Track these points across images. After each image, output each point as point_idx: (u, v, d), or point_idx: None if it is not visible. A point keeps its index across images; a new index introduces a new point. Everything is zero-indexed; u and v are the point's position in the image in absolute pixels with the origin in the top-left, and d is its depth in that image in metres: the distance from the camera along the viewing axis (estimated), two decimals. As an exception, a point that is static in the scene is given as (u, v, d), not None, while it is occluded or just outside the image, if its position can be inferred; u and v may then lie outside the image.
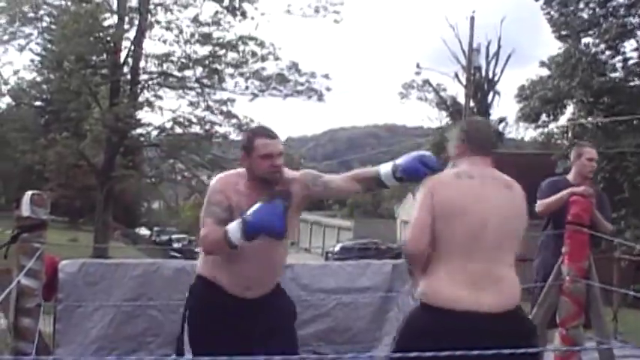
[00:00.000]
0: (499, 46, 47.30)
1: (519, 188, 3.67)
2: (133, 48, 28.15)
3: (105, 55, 29.34)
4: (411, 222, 3.55)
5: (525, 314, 3.62)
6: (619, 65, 29.52)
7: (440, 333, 3.28)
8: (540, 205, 6.07)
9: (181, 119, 29.42)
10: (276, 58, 28.49)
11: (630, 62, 29.34)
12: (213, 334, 3.94)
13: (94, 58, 29.41)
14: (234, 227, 3.64)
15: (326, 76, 29.91)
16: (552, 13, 29.51)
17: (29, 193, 4.56)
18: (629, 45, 29.52)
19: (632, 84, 29.03)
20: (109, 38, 28.28)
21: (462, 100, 38.27)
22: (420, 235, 3.47)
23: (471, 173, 3.57)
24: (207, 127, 29.56)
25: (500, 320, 3.37)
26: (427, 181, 3.62)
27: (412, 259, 3.60)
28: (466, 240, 3.44)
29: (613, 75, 29.15)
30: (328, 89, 29.78)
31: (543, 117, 31.05)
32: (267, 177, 3.89)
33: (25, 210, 4.47)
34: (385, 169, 3.96)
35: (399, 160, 3.88)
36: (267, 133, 4.00)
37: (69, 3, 27.92)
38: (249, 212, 3.61)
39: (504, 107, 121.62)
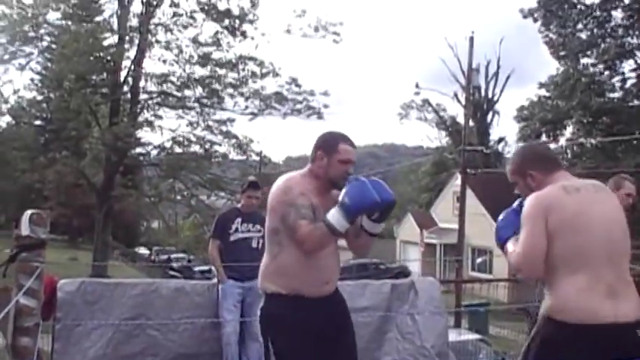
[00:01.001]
0: (498, 66, 47.54)
1: (611, 191, 3.74)
2: (133, 67, 28.19)
3: (105, 75, 29.42)
4: (524, 244, 3.42)
5: None
6: (618, 85, 29.66)
7: (584, 348, 3.25)
8: None
9: (181, 139, 29.44)
10: (275, 75, 28.50)
11: (629, 83, 29.46)
12: (305, 346, 3.94)
13: (94, 77, 29.49)
14: (334, 216, 3.70)
15: (325, 93, 29.92)
16: (550, 35, 29.64)
17: (28, 212, 4.55)
18: (627, 65, 29.69)
19: (630, 104, 29.14)
20: (109, 57, 28.36)
21: (461, 120, 38.31)
22: (533, 258, 3.38)
23: (574, 185, 3.51)
24: (207, 146, 29.56)
25: (635, 329, 3.30)
26: (533, 204, 3.46)
27: (526, 279, 3.71)
28: (595, 251, 3.35)
29: (612, 95, 29.27)
30: (326, 106, 29.77)
31: (543, 137, 31.14)
32: (337, 181, 3.93)
33: (25, 229, 4.46)
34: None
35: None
36: (350, 141, 4.08)
37: (69, 22, 27.97)
38: (342, 196, 3.69)
39: (504, 127, 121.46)
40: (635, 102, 29.37)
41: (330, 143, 4.04)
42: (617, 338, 3.25)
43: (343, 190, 3.72)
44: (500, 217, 3.82)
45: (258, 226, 7.07)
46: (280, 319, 4.02)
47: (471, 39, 28.50)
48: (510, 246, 3.58)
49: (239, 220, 7.09)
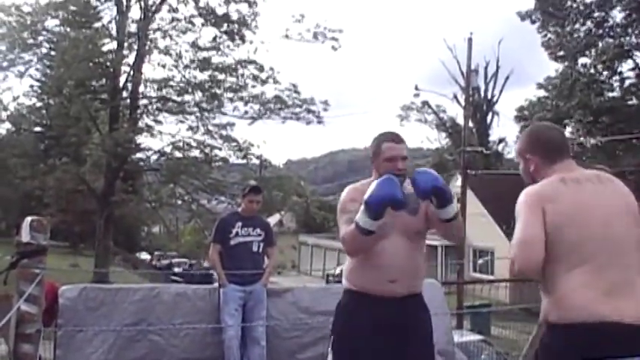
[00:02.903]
0: (497, 67, 47.57)
1: (620, 181, 3.44)
2: (132, 73, 28.21)
3: (104, 81, 29.46)
4: (518, 238, 3.22)
5: None
6: (616, 85, 29.67)
7: (584, 350, 3.04)
8: None
9: (181, 144, 29.43)
10: (275, 82, 28.55)
11: (628, 82, 29.48)
12: (357, 342, 4.02)
13: (93, 83, 29.54)
14: (359, 214, 3.80)
15: (325, 103, 29.93)
16: (549, 35, 29.66)
17: (29, 218, 4.56)
18: (626, 65, 29.69)
19: (630, 103, 29.15)
20: (108, 63, 28.38)
21: (461, 121, 38.31)
22: (530, 252, 3.18)
23: (575, 177, 3.34)
24: (207, 151, 29.55)
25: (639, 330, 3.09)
26: (530, 194, 3.31)
27: (520, 272, 3.34)
28: (594, 246, 3.17)
29: (611, 95, 29.28)
30: (325, 110, 29.75)
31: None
32: None
33: (25, 236, 4.47)
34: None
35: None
36: (393, 137, 4.16)
37: (68, 29, 28.01)
38: (366, 194, 3.75)
39: (504, 128, 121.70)
40: (635, 101, 29.41)
41: (375, 146, 4.19)
42: (620, 339, 3.05)
43: (371, 186, 3.80)
44: None
45: (259, 230, 7.10)
46: (344, 311, 4.19)
47: (470, 40, 28.55)
48: None
49: (239, 224, 7.07)
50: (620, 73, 29.80)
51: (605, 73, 29.50)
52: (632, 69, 29.65)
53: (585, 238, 3.18)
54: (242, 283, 6.81)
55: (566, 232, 3.18)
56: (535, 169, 3.46)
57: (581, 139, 29.44)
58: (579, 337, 3.10)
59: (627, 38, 28.77)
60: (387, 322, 4.01)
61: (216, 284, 7.06)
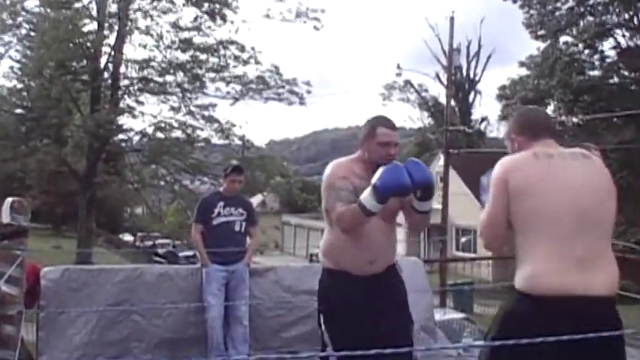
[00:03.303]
0: (479, 46, 47.57)
1: (599, 160, 3.49)
2: (113, 54, 28.06)
3: (85, 62, 29.25)
4: (482, 217, 3.39)
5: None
6: (597, 64, 29.75)
7: (548, 322, 3.05)
8: None
9: (163, 124, 29.34)
10: (257, 62, 28.49)
11: (608, 61, 29.56)
12: (347, 321, 4.14)
13: (74, 64, 29.34)
14: (366, 196, 3.90)
15: (307, 83, 29.92)
16: (531, 13, 29.67)
17: (9, 199, 4.54)
18: (607, 44, 29.77)
19: (610, 82, 29.25)
20: (89, 44, 28.18)
21: (443, 100, 38.39)
22: (492, 226, 3.33)
23: (549, 152, 3.37)
24: (189, 131, 29.48)
25: (607, 304, 3.18)
26: (500, 166, 3.37)
27: (489, 248, 3.53)
28: (560, 218, 3.19)
29: (592, 73, 29.35)
30: (309, 92, 29.75)
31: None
32: (380, 163, 4.06)
33: (5, 217, 4.46)
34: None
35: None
36: (388, 124, 4.26)
37: (48, 9, 27.78)
38: (375, 178, 3.86)
39: (486, 106, 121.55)
40: (615, 79, 29.53)
41: (369, 128, 4.26)
42: (586, 312, 3.08)
43: (377, 173, 3.90)
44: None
45: (241, 210, 7.09)
46: (326, 292, 4.31)
47: (452, 19, 28.56)
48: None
49: (221, 203, 7.05)
50: (602, 51, 29.90)
51: (586, 51, 29.58)
52: (613, 47, 29.76)
53: (551, 210, 3.21)
54: (224, 263, 6.81)
55: (526, 200, 3.23)
56: (518, 147, 3.52)
57: (563, 117, 29.57)
58: (546, 308, 3.11)
59: (608, 17, 28.84)
60: (368, 297, 4.15)
61: (199, 264, 7.07)
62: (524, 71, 31.75)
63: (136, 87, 29.25)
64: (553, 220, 3.20)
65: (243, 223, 7.08)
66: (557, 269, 3.14)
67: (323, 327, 4.28)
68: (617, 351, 3.18)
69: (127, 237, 58.05)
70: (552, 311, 3.10)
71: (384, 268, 4.27)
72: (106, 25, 27.92)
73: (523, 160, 3.35)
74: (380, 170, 3.89)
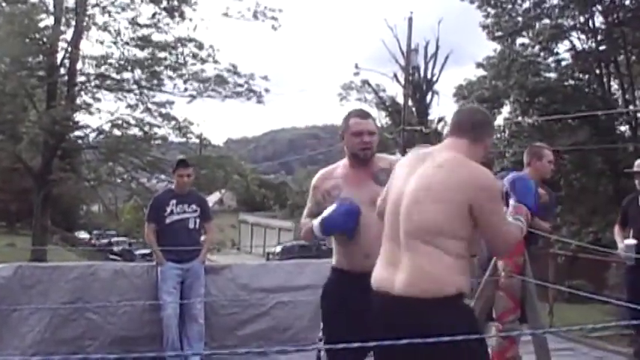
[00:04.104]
0: (437, 47, 47.70)
1: (458, 171, 3.33)
2: (69, 49, 27.75)
3: (41, 57, 28.83)
4: None
5: (441, 312, 3.22)
6: (553, 66, 30.08)
7: (373, 313, 3.39)
8: None
9: (120, 121, 29.08)
10: (215, 62, 28.40)
11: (564, 63, 29.91)
12: (339, 319, 4.19)
13: (29, 59, 28.91)
14: (316, 223, 4.14)
15: (265, 78, 29.82)
16: (489, 10, 29.91)
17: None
18: (562, 46, 30.10)
19: (566, 84, 29.59)
20: (45, 39, 27.80)
21: (401, 100, 38.53)
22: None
23: (424, 153, 3.49)
24: (146, 129, 29.27)
25: (402, 304, 3.22)
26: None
27: None
28: (388, 219, 3.44)
29: (547, 75, 29.67)
30: (267, 90, 29.71)
31: (480, 116, 31.42)
32: (357, 154, 4.23)
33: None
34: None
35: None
36: (359, 113, 4.43)
37: (3, 4, 27.41)
38: (325, 212, 4.07)
39: (443, 107, 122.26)
40: (570, 82, 29.87)
41: (343, 123, 4.40)
42: (389, 310, 3.28)
43: (330, 208, 4.09)
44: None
45: (194, 206, 7.05)
46: (325, 289, 4.42)
47: (410, 20, 28.81)
48: None
49: (174, 201, 7.01)
50: (557, 54, 30.24)
51: (541, 53, 29.89)
52: (569, 50, 30.10)
53: (388, 210, 3.47)
54: (179, 261, 6.79)
55: (383, 201, 3.57)
56: None
57: (519, 118, 29.87)
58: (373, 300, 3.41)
59: (564, 20, 29.16)
60: (363, 295, 4.13)
61: (155, 262, 7.04)
62: (481, 72, 32.01)
63: (92, 83, 28.93)
64: (386, 220, 3.48)
65: (197, 220, 7.05)
66: (378, 266, 3.45)
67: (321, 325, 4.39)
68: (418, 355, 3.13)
69: (83, 235, 57.61)
70: (374, 305, 3.38)
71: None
72: (63, 20, 27.58)
73: (399, 164, 3.63)
74: (333, 205, 4.07)
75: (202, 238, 7.21)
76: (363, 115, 4.39)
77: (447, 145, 3.53)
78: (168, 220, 6.96)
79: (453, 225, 3.24)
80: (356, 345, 2.90)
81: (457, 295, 3.24)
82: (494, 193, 3.33)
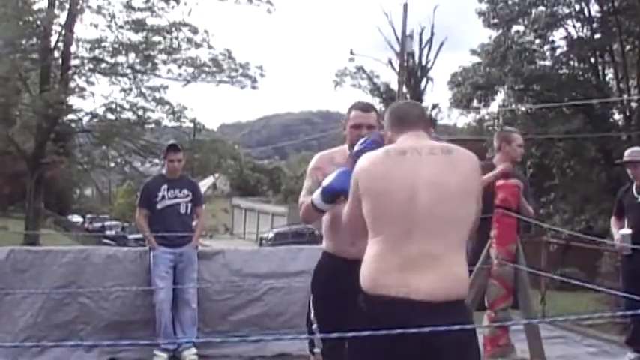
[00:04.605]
0: (432, 33, 47.58)
1: (465, 155, 3.29)
2: (63, 33, 27.66)
3: (35, 40, 28.75)
4: (345, 213, 3.55)
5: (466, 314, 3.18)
6: (548, 54, 30.04)
7: (370, 320, 3.06)
8: None
9: (113, 105, 29.06)
10: (210, 47, 28.38)
11: (558, 51, 29.88)
12: (328, 301, 4.20)
13: (23, 42, 28.81)
14: (316, 193, 4.05)
15: (260, 67, 29.84)
16: (484, 1, 29.86)
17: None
18: (557, 34, 30.06)
19: (560, 72, 29.57)
20: (39, 22, 27.71)
21: (395, 86, 38.52)
22: (349, 221, 3.51)
23: (403, 148, 3.27)
24: (140, 113, 29.25)
25: (435, 310, 2.99)
26: (356, 166, 3.37)
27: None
28: (392, 218, 3.13)
29: (542, 63, 29.64)
30: (262, 75, 29.70)
31: (475, 103, 31.44)
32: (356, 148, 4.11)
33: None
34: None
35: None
36: (361, 106, 4.40)
37: (-3, -14, 27.30)
38: (326, 180, 3.99)
39: (438, 93, 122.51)
40: (565, 70, 29.84)
41: (347, 113, 4.41)
42: (406, 316, 2.98)
43: (330, 175, 4.01)
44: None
45: (186, 191, 7.03)
46: (315, 273, 4.42)
47: (405, 6, 28.73)
48: None
49: (165, 187, 6.98)
50: (552, 41, 30.18)
51: (537, 41, 29.83)
52: (564, 38, 30.04)
53: (384, 210, 3.18)
54: (172, 246, 6.78)
55: (369, 200, 3.23)
56: (388, 142, 3.50)
57: (513, 105, 29.86)
58: (367, 306, 3.17)
59: (559, 7, 29.11)
60: (343, 284, 3.99)
61: (147, 247, 7.03)
62: (475, 59, 31.95)
63: (86, 67, 28.87)
64: (385, 220, 3.17)
65: (189, 205, 7.03)
66: (378, 269, 3.15)
67: (311, 307, 4.37)
68: None
69: (76, 218, 57.58)
70: (376, 311, 3.11)
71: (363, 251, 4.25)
72: (57, 3, 27.51)
73: (372, 159, 3.30)
74: (333, 173, 3.99)
75: (194, 223, 7.21)
76: (365, 108, 4.39)
77: (420, 136, 3.39)
78: (159, 206, 6.94)
79: (472, 217, 3.26)
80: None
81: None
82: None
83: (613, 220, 7.33)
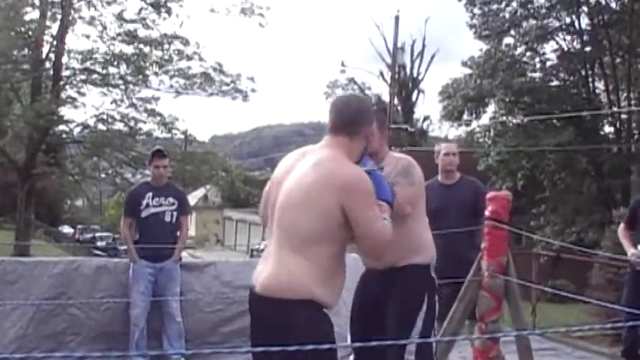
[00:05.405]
0: (424, 45, 47.86)
1: (330, 170, 3.24)
2: (55, 43, 27.66)
3: (26, 50, 28.74)
4: None
5: (303, 312, 3.18)
6: (538, 66, 30.18)
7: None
8: None
9: (105, 116, 29.03)
10: (201, 59, 28.42)
11: (549, 64, 30.01)
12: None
13: (15, 53, 28.79)
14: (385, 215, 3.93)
15: (251, 79, 29.87)
16: (475, 11, 29.99)
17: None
18: (548, 47, 30.21)
19: (551, 84, 29.69)
20: (30, 33, 27.70)
21: (386, 98, 38.56)
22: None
23: (304, 151, 3.45)
24: (131, 124, 29.23)
25: (265, 303, 3.24)
26: None
27: None
28: (269, 216, 3.41)
29: (533, 75, 29.77)
30: (254, 90, 29.74)
31: (465, 115, 31.53)
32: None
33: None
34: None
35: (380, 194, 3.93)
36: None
37: (-12, -3, 27.27)
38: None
39: (429, 105, 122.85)
40: (555, 82, 29.98)
41: None
42: (257, 308, 3.34)
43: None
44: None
45: (171, 199, 6.90)
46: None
47: (397, 18, 28.83)
48: None
49: (150, 194, 6.84)
50: (543, 54, 30.34)
51: (527, 53, 29.98)
52: (554, 51, 30.21)
53: (265, 209, 3.48)
54: (153, 260, 6.67)
55: (265, 201, 3.52)
56: (371, 136, 3.65)
57: (503, 117, 29.94)
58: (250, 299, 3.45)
59: (550, 20, 29.25)
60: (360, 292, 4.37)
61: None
62: (467, 71, 32.06)
63: (78, 78, 28.85)
64: (267, 214, 3.45)
65: (174, 213, 6.89)
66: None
67: None
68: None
69: (67, 229, 57.38)
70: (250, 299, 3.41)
71: (385, 267, 4.19)
72: (49, 14, 27.52)
73: (283, 160, 3.53)
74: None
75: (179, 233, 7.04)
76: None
77: (325, 144, 3.44)
78: (144, 214, 6.81)
79: (323, 229, 3.20)
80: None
81: (312, 301, 3.17)
82: (362, 192, 3.22)
83: (622, 229, 7.09)
